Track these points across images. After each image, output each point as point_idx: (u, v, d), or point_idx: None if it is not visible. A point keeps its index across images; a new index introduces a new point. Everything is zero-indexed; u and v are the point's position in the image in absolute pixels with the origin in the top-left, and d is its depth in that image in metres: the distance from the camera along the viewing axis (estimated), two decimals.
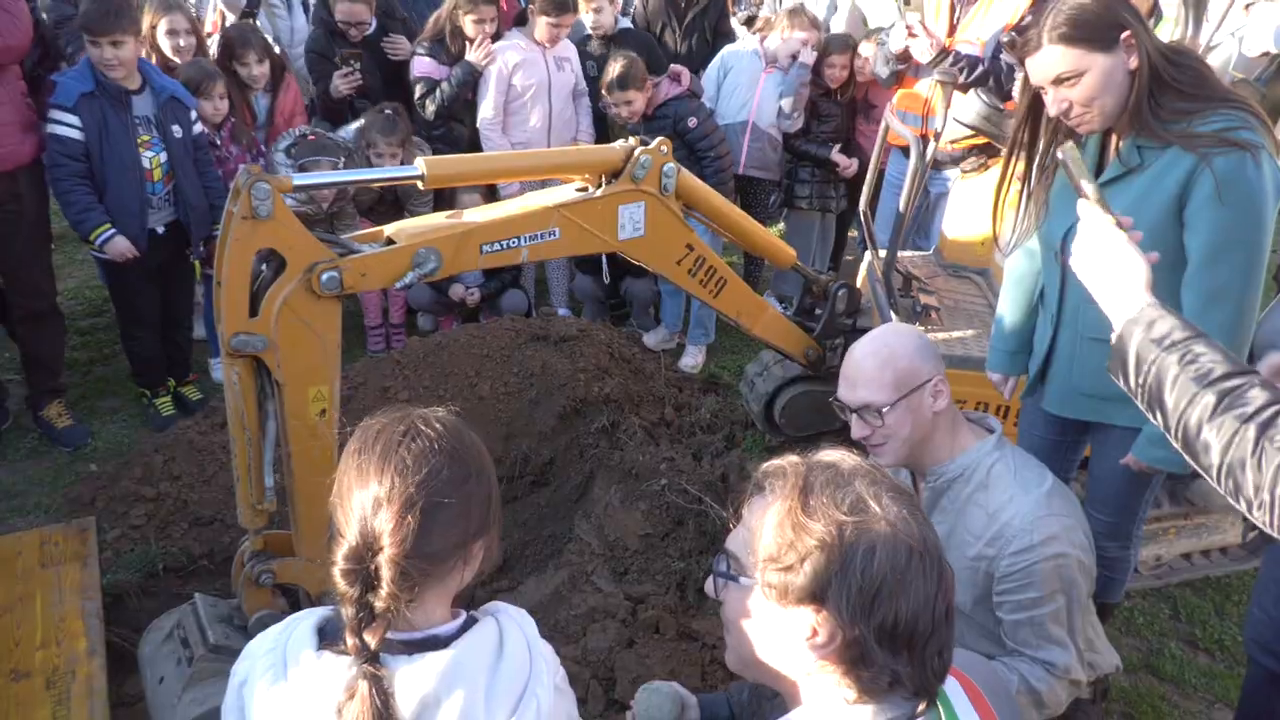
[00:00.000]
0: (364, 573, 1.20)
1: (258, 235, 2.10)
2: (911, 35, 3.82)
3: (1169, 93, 2.02)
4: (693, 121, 4.23)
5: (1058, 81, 2.03)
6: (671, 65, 4.39)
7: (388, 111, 4.29)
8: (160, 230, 3.72)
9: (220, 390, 4.25)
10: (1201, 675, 2.87)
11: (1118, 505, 2.51)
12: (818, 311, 3.63)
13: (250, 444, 2.29)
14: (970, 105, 3.39)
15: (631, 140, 2.67)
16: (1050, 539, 1.81)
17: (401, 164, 4.27)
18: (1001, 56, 3.67)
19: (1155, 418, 1.32)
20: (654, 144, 2.66)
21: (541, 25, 4.38)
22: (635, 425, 3.59)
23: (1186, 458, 1.28)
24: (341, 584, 1.21)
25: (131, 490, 3.31)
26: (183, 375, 4.15)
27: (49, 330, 3.80)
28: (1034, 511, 1.83)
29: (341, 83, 4.41)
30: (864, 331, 3.59)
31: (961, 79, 3.64)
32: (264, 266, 2.20)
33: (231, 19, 4.66)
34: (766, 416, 3.88)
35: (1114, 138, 2.18)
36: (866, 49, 4.12)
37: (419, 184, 2.34)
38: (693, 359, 4.59)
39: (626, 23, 5.08)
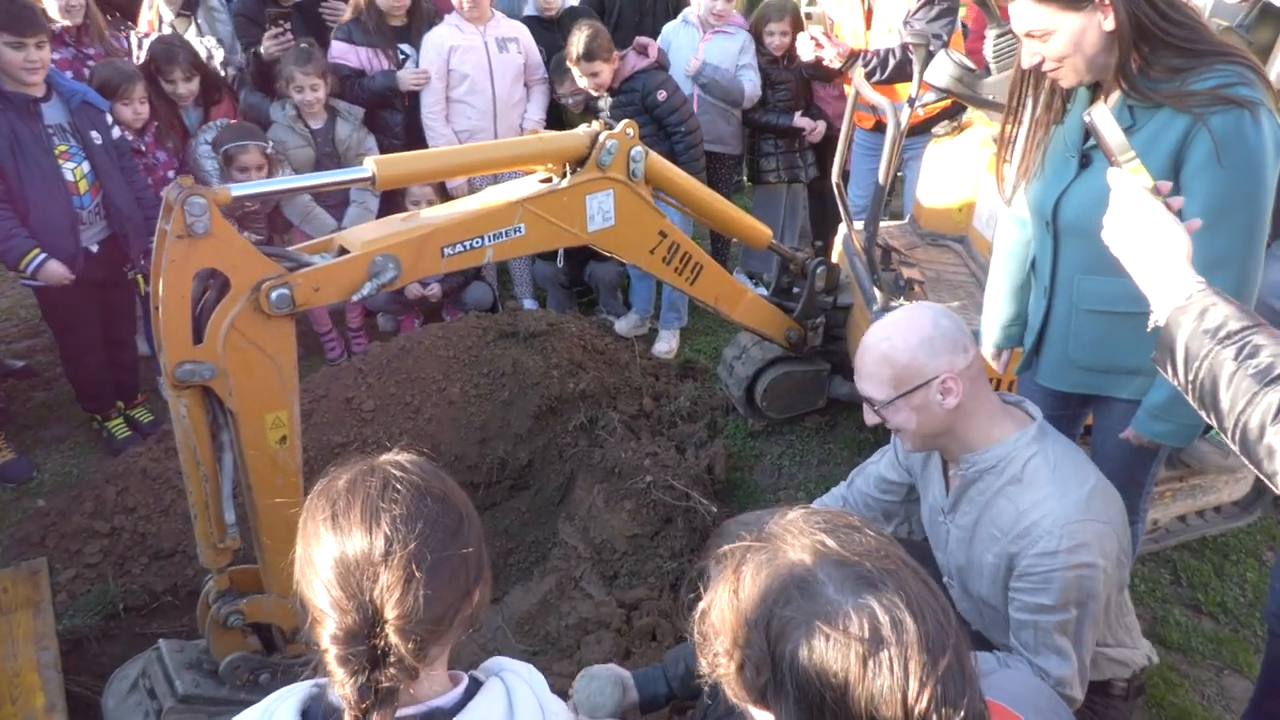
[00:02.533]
0: (368, 652, 1.06)
1: (196, 254, 1.91)
2: (818, 47, 3.83)
3: (1161, 48, 1.89)
4: (661, 95, 4.05)
5: (1030, 35, 1.93)
6: (638, 38, 4.19)
7: (302, 45, 4.06)
8: (94, 248, 3.46)
9: None
10: (1208, 641, 2.82)
11: (1124, 479, 2.41)
12: (795, 290, 3.52)
13: (206, 479, 2.11)
14: (942, 68, 3.26)
15: (596, 125, 2.50)
16: (1079, 547, 1.70)
17: (326, 97, 4.09)
18: (909, 49, 3.67)
19: (1209, 416, 1.21)
20: (619, 127, 2.50)
21: None
22: (614, 420, 3.45)
23: (1246, 462, 1.16)
24: (339, 671, 1.06)
25: (84, 526, 3.10)
26: (131, 397, 3.92)
27: None
28: (1068, 515, 1.71)
29: (271, 43, 4.10)
30: (845, 310, 3.55)
31: (877, 77, 3.70)
32: (205, 288, 2.01)
33: (169, 15, 4.35)
34: (748, 400, 3.77)
35: (1102, 96, 2.06)
36: (804, 42, 3.99)
37: (370, 186, 2.16)
38: (666, 344, 4.45)
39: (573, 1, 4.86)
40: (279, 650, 2.40)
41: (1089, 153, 2.04)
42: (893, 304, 3.06)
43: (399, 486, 1.12)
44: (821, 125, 4.57)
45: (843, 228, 3.68)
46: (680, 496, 3.09)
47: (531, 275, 4.82)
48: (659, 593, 2.92)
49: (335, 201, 4.21)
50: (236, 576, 2.30)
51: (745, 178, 5.12)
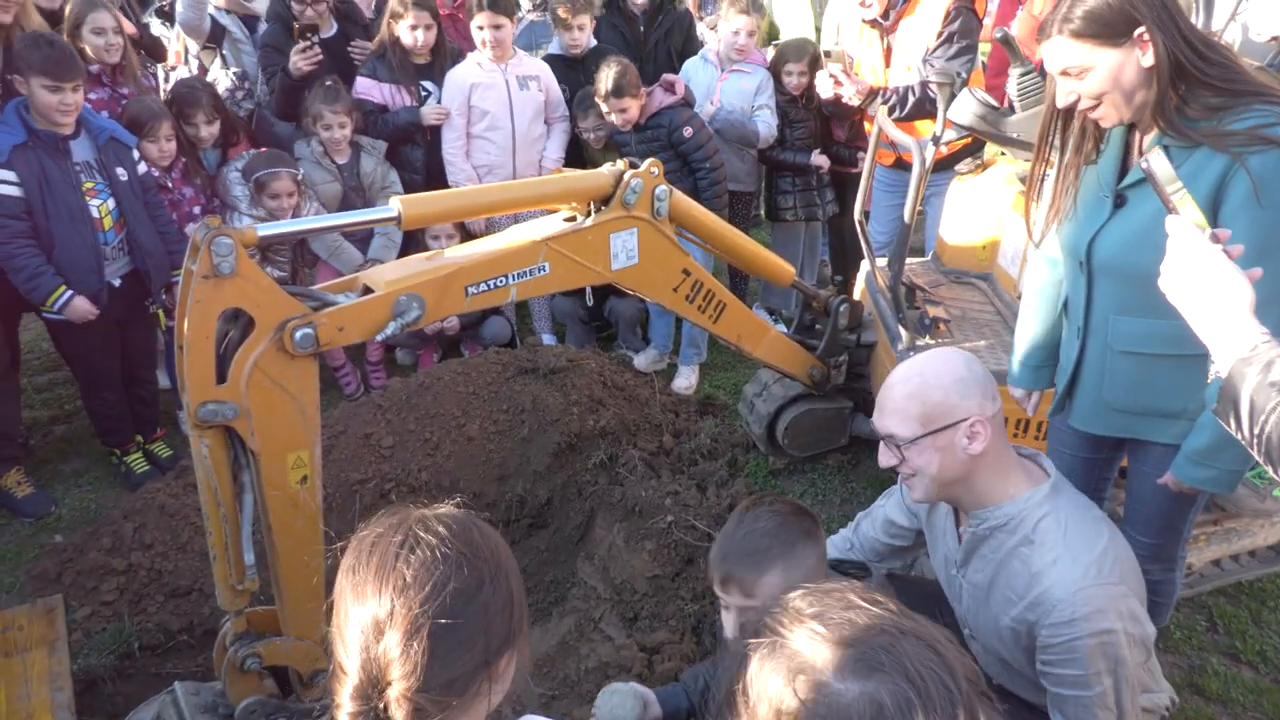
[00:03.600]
0: (373, 713, 1.03)
1: (222, 294, 1.90)
2: (837, 85, 3.86)
3: (1198, 87, 1.87)
4: (688, 131, 4.06)
5: (1065, 74, 1.92)
6: (665, 75, 4.23)
7: (328, 83, 4.09)
8: (116, 283, 3.48)
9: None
10: (1248, 692, 2.73)
11: (1160, 526, 2.37)
12: (818, 327, 3.49)
13: (226, 520, 2.09)
14: (966, 106, 3.25)
15: (620, 163, 2.49)
16: (1095, 613, 1.65)
17: (352, 133, 4.13)
18: (930, 86, 3.72)
19: (1276, 471, 1.16)
20: (644, 166, 2.49)
21: (474, 31, 4.19)
22: (635, 458, 3.41)
23: None
24: None
25: (101, 562, 3.08)
26: (150, 431, 3.91)
27: (4, 394, 3.54)
28: (1078, 582, 1.67)
29: (300, 59, 4.10)
30: (868, 348, 3.51)
31: (896, 114, 3.70)
32: (229, 328, 2.00)
33: (195, 48, 4.41)
34: (769, 438, 3.73)
35: (1138, 136, 2.04)
36: (823, 79, 4.00)
37: (396, 225, 2.15)
38: (686, 380, 4.42)
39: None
40: (295, 694, 2.36)
41: (1124, 193, 2.01)
42: (918, 343, 3.03)
43: (417, 545, 1.09)
44: (826, 161, 4.56)
45: (865, 264, 3.65)
46: (702, 537, 3.04)
47: (550, 310, 4.81)
48: (680, 636, 2.86)
49: (361, 235, 4.23)
50: (254, 618, 2.27)
51: (762, 213, 5.11)
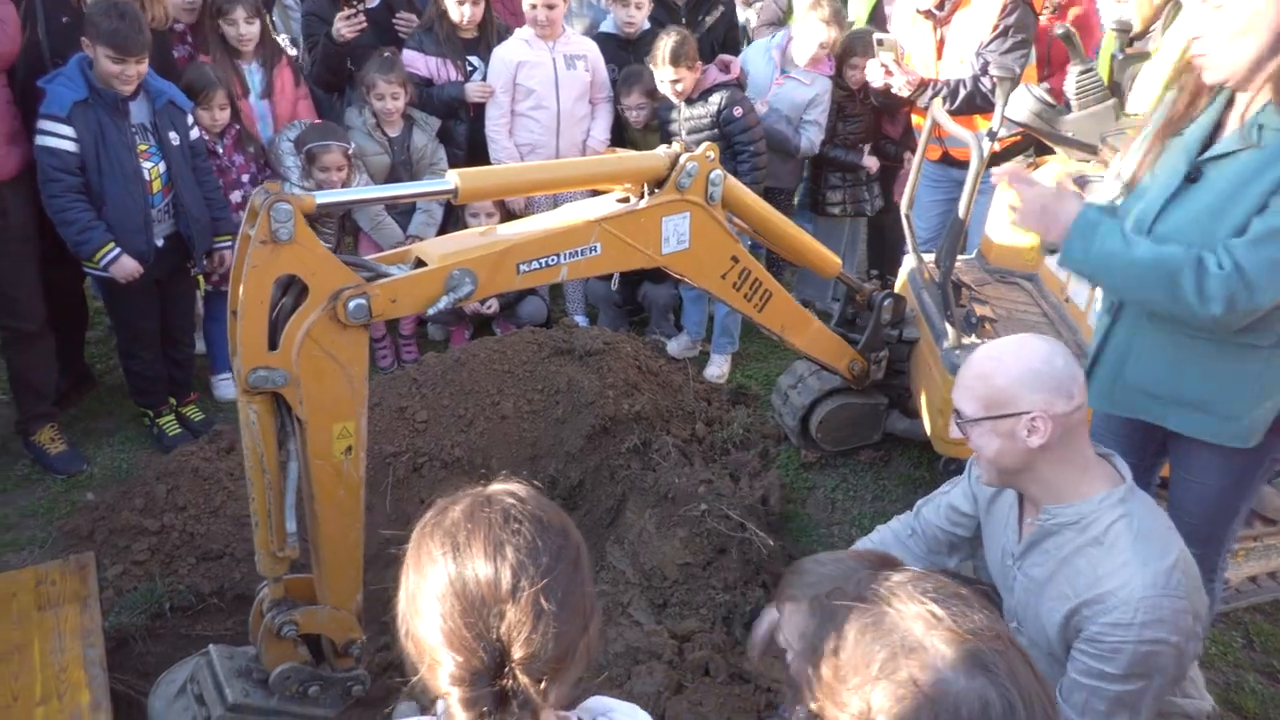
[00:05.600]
0: (495, 694, 1.02)
1: (278, 261, 1.88)
2: (888, 74, 3.81)
3: None
4: (738, 111, 4.00)
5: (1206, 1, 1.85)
6: (720, 55, 4.18)
7: (386, 54, 4.06)
8: (160, 243, 3.48)
9: (224, 410, 4.04)
10: None
11: (1203, 536, 2.33)
12: (859, 321, 3.45)
13: (270, 487, 2.08)
14: (1023, 102, 3.19)
15: (676, 146, 2.46)
16: (1155, 622, 1.62)
17: (405, 105, 4.08)
18: (982, 79, 3.68)
19: None
20: (700, 150, 2.46)
21: (527, 9, 4.15)
22: (669, 444, 3.39)
23: None
24: (462, 714, 1.02)
25: (133, 522, 3.09)
26: (184, 394, 3.92)
27: (38, 352, 3.55)
28: (1147, 589, 1.63)
29: (344, 25, 4.05)
30: (909, 344, 3.47)
31: (946, 106, 3.65)
32: (283, 294, 1.99)
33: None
34: (802, 431, 3.70)
35: (1233, 109, 1.98)
36: (874, 68, 3.93)
37: (452, 199, 2.13)
38: (718, 368, 4.39)
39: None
40: (327, 662, 2.37)
41: (1202, 166, 1.97)
42: (964, 341, 2.98)
43: (520, 518, 1.08)
44: (876, 163, 4.49)
45: (909, 260, 3.61)
46: (735, 527, 3.02)
47: (584, 291, 4.79)
48: (711, 625, 2.84)
49: (401, 209, 4.21)
50: (291, 586, 2.27)
51: (808, 205, 5.05)
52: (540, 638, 1.02)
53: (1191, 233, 1.95)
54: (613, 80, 4.40)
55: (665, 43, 3.93)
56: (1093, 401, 2.25)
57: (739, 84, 4.12)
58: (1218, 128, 2.01)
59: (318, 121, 4.00)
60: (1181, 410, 2.14)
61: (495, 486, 1.15)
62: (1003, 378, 1.72)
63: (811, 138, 4.35)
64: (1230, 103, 1.98)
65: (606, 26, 4.63)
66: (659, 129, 4.25)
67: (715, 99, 4.01)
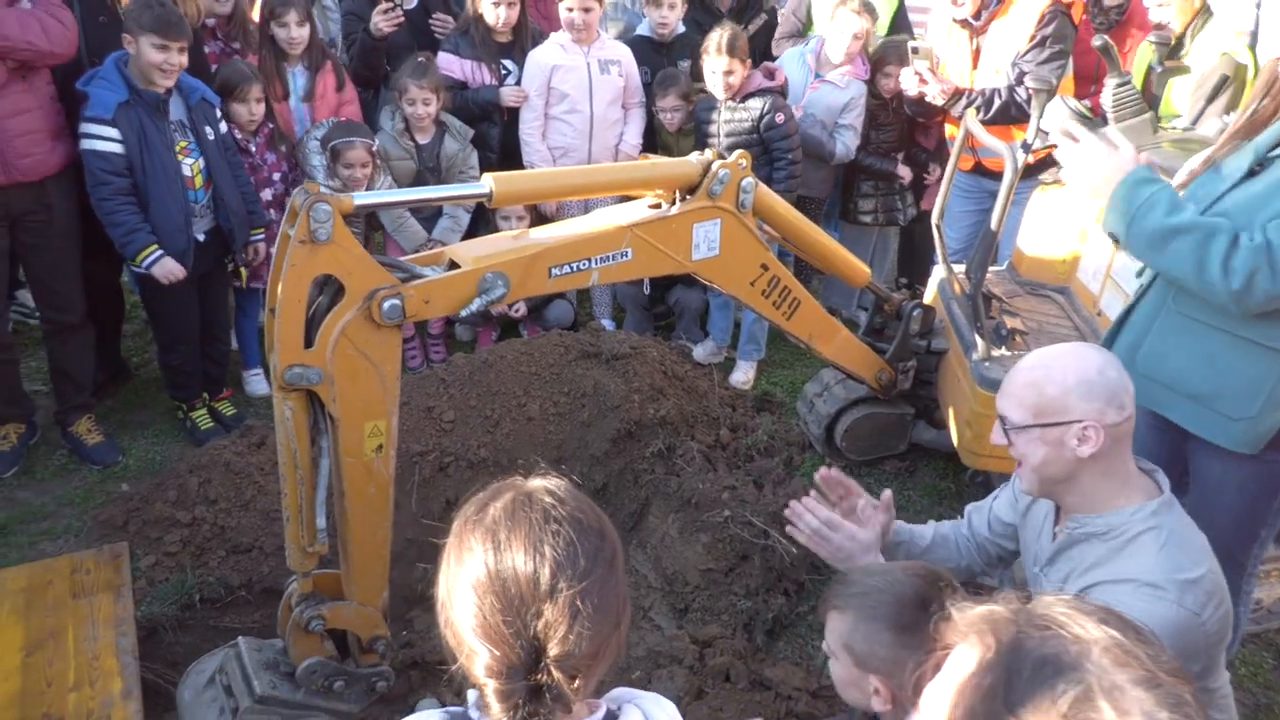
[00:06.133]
0: (529, 687, 1.05)
1: (316, 260, 1.92)
2: (923, 83, 3.81)
3: None
4: (780, 117, 4.01)
5: None
6: (766, 63, 4.22)
7: (420, 59, 4.10)
8: (200, 238, 3.55)
9: (256, 406, 4.10)
10: None
11: (1221, 556, 2.30)
12: (887, 331, 3.44)
13: (302, 483, 2.12)
14: (1059, 114, 3.17)
15: (709, 153, 2.47)
16: (1151, 619, 1.59)
17: (437, 112, 4.11)
18: (1017, 89, 3.64)
19: None
20: (732, 157, 2.47)
21: (563, 12, 4.18)
22: (693, 450, 3.40)
23: None
24: (497, 705, 1.06)
25: (165, 514, 3.15)
26: (218, 389, 3.98)
27: (78, 344, 3.63)
28: (1154, 594, 1.61)
29: (382, 19, 4.12)
30: (938, 355, 3.45)
31: (980, 116, 3.65)
32: (319, 293, 2.02)
33: None
34: (827, 439, 3.69)
35: None
36: (909, 76, 3.92)
37: (486, 202, 2.15)
38: (744, 374, 4.39)
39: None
40: (352, 658, 2.40)
41: (1268, 159, 2.00)
42: (994, 354, 2.97)
43: (559, 519, 1.09)
44: (909, 173, 4.49)
45: (938, 270, 3.59)
46: (759, 534, 3.02)
47: (613, 293, 4.81)
48: (733, 631, 2.85)
49: (428, 214, 4.25)
50: (319, 581, 2.30)
51: (839, 214, 5.04)
52: (575, 637, 1.04)
53: (1238, 216, 1.97)
54: (646, 84, 4.42)
55: (720, 34, 3.96)
56: None
57: (781, 92, 4.12)
58: None
59: (343, 120, 4.04)
60: (1186, 403, 2.15)
61: (535, 483, 1.17)
62: (1056, 387, 1.71)
63: (847, 142, 4.34)
64: None
65: (643, 30, 4.66)
66: (693, 132, 4.27)
67: (756, 104, 4.02)
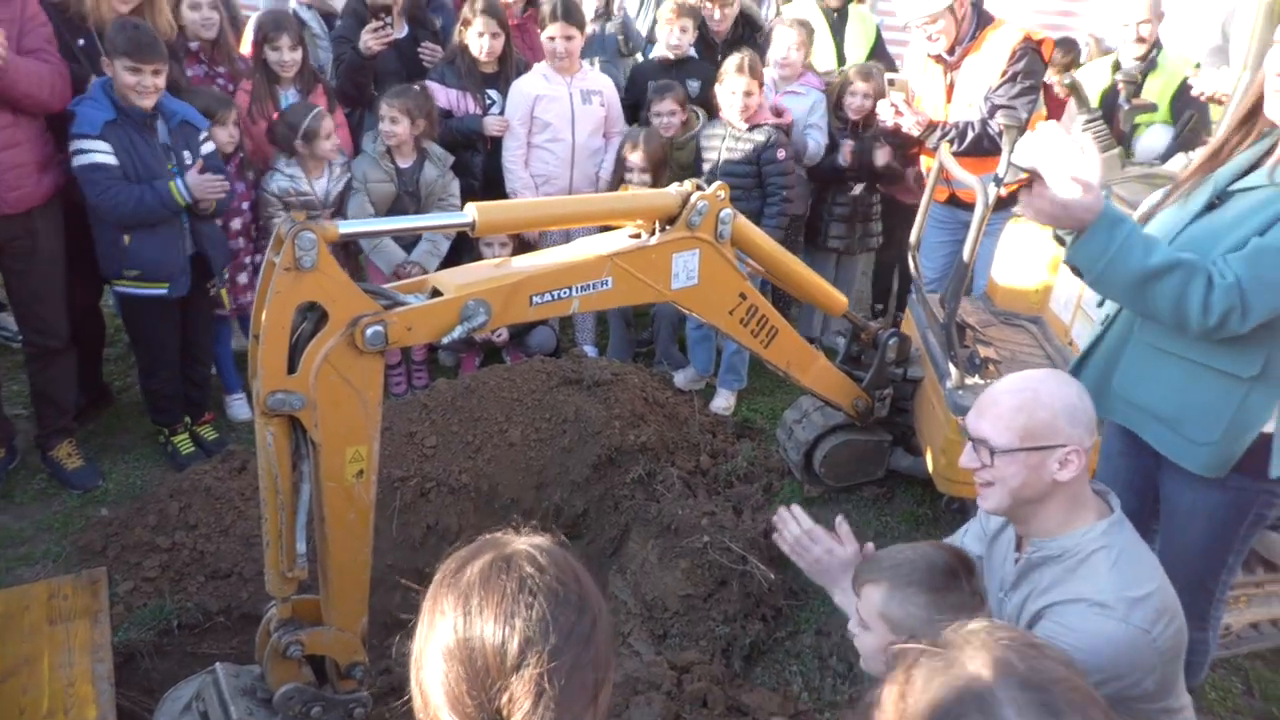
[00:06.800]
0: None
1: (301, 287, 1.95)
2: (898, 114, 3.90)
3: None
4: (781, 153, 4.13)
5: None
6: (774, 103, 4.35)
7: (413, 87, 4.18)
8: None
9: (238, 430, 4.10)
10: None
11: (1191, 583, 2.35)
12: (864, 359, 3.50)
13: (282, 508, 2.13)
14: (1030, 149, 3.25)
15: (687, 184, 2.53)
16: (1109, 654, 1.64)
17: (414, 136, 4.13)
18: (990, 122, 3.76)
19: None
20: (711, 189, 2.53)
21: (545, 41, 4.29)
22: (673, 476, 3.43)
23: None
24: None
25: (145, 539, 3.14)
26: (199, 414, 3.99)
27: (60, 368, 3.63)
28: (1102, 613, 1.65)
29: (371, 38, 4.19)
30: (914, 383, 3.51)
31: (955, 148, 3.75)
32: (302, 320, 2.05)
33: None
34: (806, 466, 3.73)
35: (1273, 154, 2.05)
36: (885, 107, 4.04)
37: (469, 231, 2.20)
38: (725, 401, 4.43)
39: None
40: (330, 684, 2.40)
41: (1228, 193, 2.07)
42: (968, 382, 3.02)
43: (534, 588, 1.06)
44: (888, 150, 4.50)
45: (913, 299, 3.66)
46: (737, 560, 3.05)
47: (596, 319, 4.87)
48: (710, 657, 2.87)
49: (408, 239, 4.29)
50: (298, 607, 2.31)
51: (805, 239, 5.13)
52: (538, 716, 1.01)
53: (1197, 247, 2.02)
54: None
55: (740, 57, 4.11)
56: None
57: (785, 130, 4.24)
58: (1251, 168, 2.09)
59: (295, 104, 4.04)
60: (1157, 425, 2.20)
61: (519, 545, 1.13)
62: (1044, 410, 1.75)
63: (817, 140, 4.48)
64: (1271, 150, 2.07)
65: (652, 52, 4.82)
66: (687, 145, 4.37)
67: (760, 136, 4.13)
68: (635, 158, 4.24)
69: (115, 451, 3.95)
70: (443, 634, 1.06)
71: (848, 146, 4.49)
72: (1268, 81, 1.98)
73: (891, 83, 4.03)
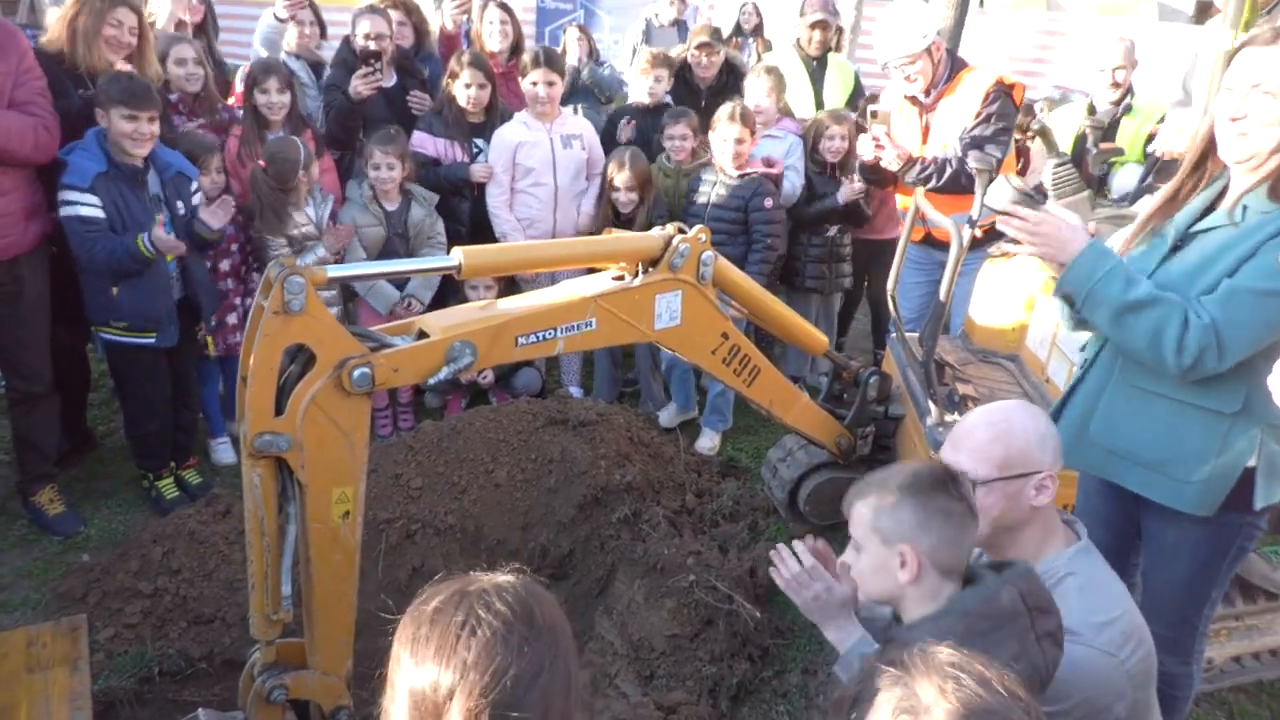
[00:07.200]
0: None
1: (289, 330, 1.98)
2: (879, 147, 3.97)
3: None
4: (768, 202, 4.24)
5: (1257, 87, 1.95)
6: (768, 155, 4.47)
7: (392, 131, 4.27)
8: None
9: (222, 474, 4.08)
10: None
11: (1175, 618, 2.39)
12: (846, 397, 3.54)
13: (268, 549, 2.13)
14: (1001, 192, 3.34)
15: (669, 228, 2.59)
16: (1069, 664, 1.65)
17: (402, 179, 4.24)
18: (966, 159, 3.83)
19: None
20: (693, 232, 2.59)
21: (527, 86, 4.40)
22: (659, 515, 3.44)
23: None
24: None
25: (127, 585, 3.12)
26: (185, 457, 3.97)
27: (43, 413, 3.62)
28: (1073, 635, 1.67)
29: (361, 83, 4.29)
30: (895, 420, 3.56)
31: (933, 184, 3.85)
32: (290, 362, 2.08)
33: None
34: (790, 504, 3.75)
35: (1227, 195, 2.13)
36: (865, 142, 4.15)
37: (456, 274, 2.24)
38: (710, 440, 4.47)
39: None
40: None
41: (1190, 235, 2.13)
42: (947, 419, 3.07)
43: (479, 627, 1.08)
44: (860, 185, 4.57)
45: (893, 338, 3.72)
46: (723, 599, 3.05)
47: (582, 359, 4.92)
48: (697, 698, 2.86)
49: (402, 278, 4.34)
50: (282, 650, 2.30)
51: (780, 280, 5.22)
52: None
53: (1170, 289, 2.07)
54: (642, 141, 4.72)
55: (732, 105, 4.27)
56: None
57: (775, 180, 4.35)
58: (1208, 210, 2.16)
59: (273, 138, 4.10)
60: (1140, 470, 2.23)
61: (483, 582, 1.15)
62: (1019, 439, 1.82)
63: (794, 181, 4.59)
64: (1224, 191, 2.14)
65: (634, 97, 5.02)
66: (693, 173, 4.48)
67: (749, 185, 4.24)
68: (622, 178, 4.33)
69: (98, 497, 3.93)
70: (400, 670, 1.09)
71: (850, 185, 4.56)
72: (1218, 125, 2.06)
73: (874, 114, 4.13)
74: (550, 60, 4.38)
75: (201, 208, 3.54)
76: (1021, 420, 1.84)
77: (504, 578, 1.16)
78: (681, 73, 5.20)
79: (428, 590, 1.17)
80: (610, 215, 4.41)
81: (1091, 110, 4.50)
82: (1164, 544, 2.32)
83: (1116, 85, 4.44)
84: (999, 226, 2.31)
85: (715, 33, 5.51)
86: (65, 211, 3.29)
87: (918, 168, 3.95)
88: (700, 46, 5.21)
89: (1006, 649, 1.46)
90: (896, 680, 1.00)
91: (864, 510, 1.73)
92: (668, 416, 4.62)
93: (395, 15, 4.72)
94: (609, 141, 4.81)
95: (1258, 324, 1.97)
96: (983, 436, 1.85)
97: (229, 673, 2.91)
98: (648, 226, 4.32)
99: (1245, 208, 2.03)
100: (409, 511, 3.36)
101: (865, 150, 4.07)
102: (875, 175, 4.34)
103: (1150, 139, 4.29)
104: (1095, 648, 1.68)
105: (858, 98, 5.36)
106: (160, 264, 3.44)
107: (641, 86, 4.92)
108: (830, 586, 2.13)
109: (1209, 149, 2.14)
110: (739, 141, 4.21)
